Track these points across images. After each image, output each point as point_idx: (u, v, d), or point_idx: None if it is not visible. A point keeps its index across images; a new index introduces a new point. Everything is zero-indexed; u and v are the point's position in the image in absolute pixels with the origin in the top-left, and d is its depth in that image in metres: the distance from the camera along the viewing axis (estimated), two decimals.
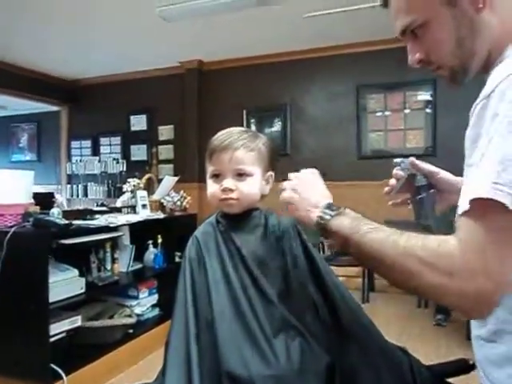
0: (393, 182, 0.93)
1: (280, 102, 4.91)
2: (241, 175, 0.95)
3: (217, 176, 0.97)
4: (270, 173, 1.03)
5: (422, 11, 0.66)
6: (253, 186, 0.97)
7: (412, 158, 0.91)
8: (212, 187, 0.97)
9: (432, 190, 0.89)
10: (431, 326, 3.28)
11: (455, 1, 0.64)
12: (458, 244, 0.56)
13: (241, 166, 0.95)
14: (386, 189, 0.94)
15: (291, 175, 0.84)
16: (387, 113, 4.58)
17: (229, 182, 0.94)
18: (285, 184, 0.82)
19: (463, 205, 0.56)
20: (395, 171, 0.92)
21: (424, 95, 4.37)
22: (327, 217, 0.71)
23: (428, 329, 3.23)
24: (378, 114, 4.61)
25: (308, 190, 0.79)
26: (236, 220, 0.97)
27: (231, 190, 0.94)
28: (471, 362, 0.83)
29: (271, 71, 4.92)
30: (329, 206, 0.73)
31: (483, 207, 0.53)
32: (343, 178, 4.32)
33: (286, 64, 4.86)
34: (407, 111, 4.48)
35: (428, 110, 4.38)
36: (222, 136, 0.97)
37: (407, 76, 4.03)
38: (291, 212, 0.80)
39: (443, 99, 4.21)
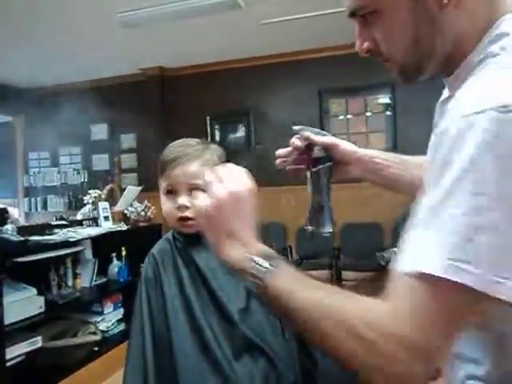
0: (281, 151, 0.86)
1: (243, 107, 4.91)
2: (196, 191, 0.91)
3: (170, 192, 0.93)
4: None
5: None
6: None
7: (306, 133, 0.83)
8: (166, 205, 0.93)
9: (328, 164, 0.82)
10: None
11: None
12: (393, 315, 0.48)
13: (195, 180, 0.90)
14: (278, 161, 0.85)
15: (217, 173, 0.64)
16: (349, 116, 4.67)
17: (184, 199, 0.90)
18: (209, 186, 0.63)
19: (406, 264, 0.47)
20: (293, 139, 0.84)
21: (384, 98, 4.49)
22: (263, 269, 0.57)
23: None
24: (341, 117, 4.69)
25: (233, 212, 0.61)
26: (194, 236, 0.94)
27: (186, 208, 0.90)
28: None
29: (233, 77, 4.92)
30: (265, 255, 0.58)
31: (432, 279, 0.45)
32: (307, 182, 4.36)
33: (249, 69, 4.87)
34: (368, 114, 4.58)
35: (388, 113, 4.49)
36: (173, 149, 0.93)
37: (367, 80, 4.12)
38: (204, 231, 0.63)
39: (402, 102, 4.34)
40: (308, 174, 0.84)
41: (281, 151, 0.86)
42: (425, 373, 0.47)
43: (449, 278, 0.44)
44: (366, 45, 0.62)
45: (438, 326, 0.46)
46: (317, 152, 0.83)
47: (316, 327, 0.52)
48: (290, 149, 0.85)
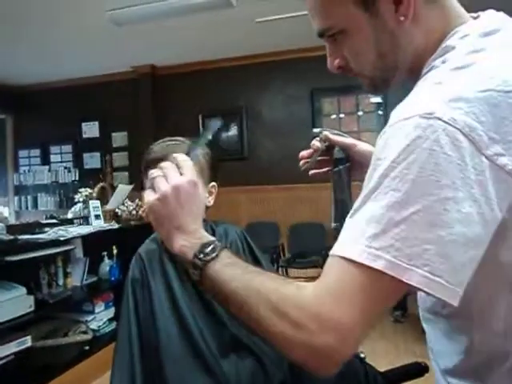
0: (303, 153, 0.89)
1: (236, 106, 4.90)
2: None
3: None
4: (213, 183, 0.99)
5: (339, 19, 0.60)
6: None
7: (326, 132, 0.87)
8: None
9: (348, 164, 0.85)
10: (390, 322, 3.36)
11: (376, 11, 0.58)
12: (314, 293, 0.52)
13: None
14: (301, 162, 0.88)
15: (162, 167, 0.66)
16: (341, 115, 4.68)
17: None
18: (152, 177, 0.65)
19: (333, 249, 0.52)
20: (313, 142, 0.87)
21: (375, 98, 4.50)
22: (202, 258, 0.59)
23: (387, 326, 3.31)
24: (333, 116, 4.70)
25: (178, 205, 0.63)
26: None
27: None
28: (423, 365, 0.84)
29: (226, 75, 4.90)
30: (208, 245, 0.60)
31: (352, 263, 0.49)
32: (301, 181, 4.36)
33: (241, 68, 4.86)
34: (360, 113, 4.60)
35: (380, 112, 4.51)
36: (157, 148, 0.92)
37: (359, 79, 4.13)
38: (154, 226, 0.65)
39: (393, 101, 4.35)
40: (330, 175, 0.87)
41: (303, 153, 0.89)
42: (339, 347, 0.50)
43: (363, 262, 0.48)
44: (336, 62, 0.66)
45: (354, 304, 0.49)
46: (336, 153, 0.86)
47: (248, 309, 0.55)
48: (311, 150, 0.88)
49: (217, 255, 0.59)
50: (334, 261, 0.52)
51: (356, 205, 0.53)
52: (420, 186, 0.48)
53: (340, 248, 0.52)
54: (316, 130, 0.88)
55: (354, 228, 0.52)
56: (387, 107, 4.44)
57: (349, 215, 0.54)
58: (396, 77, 0.64)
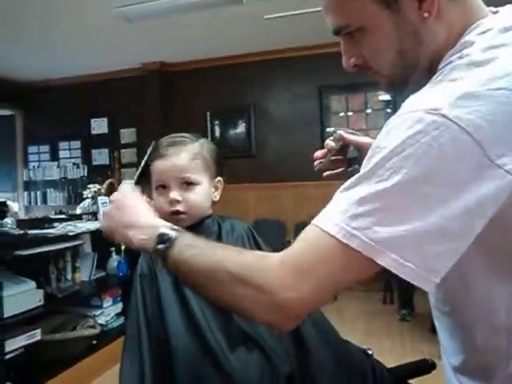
0: (318, 153, 0.89)
1: (244, 103, 4.90)
2: (187, 185, 0.91)
3: (163, 187, 0.92)
4: (219, 178, 0.99)
5: (357, 16, 0.59)
6: (200, 195, 0.92)
7: (341, 131, 0.87)
8: (158, 200, 0.92)
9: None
10: (396, 320, 3.35)
11: (398, 7, 0.57)
12: (281, 259, 0.54)
13: (185, 174, 0.90)
14: (316, 162, 0.89)
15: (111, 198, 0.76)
16: (349, 113, 4.66)
17: (174, 194, 0.90)
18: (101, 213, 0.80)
19: (315, 219, 0.55)
20: (327, 141, 0.88)
21: (384, 95, 4.48)
22: (165, 246, 0.62)
23: (393, 324, 3.30)
24: (341, 114, 4.68)
25: (127, 209, 0.71)
26: (187, 230, 0.93)
27: (178, 202, 0.90)
28: (430, 362, 0.84)
29: (234, 72, 4.90)
30: (164, 235, 0.63)
31: (330, 237, 0.52)
32: (309, 178, 4.35)
33: (249, 65, 4.85)
34: (369, 111, 4.58)
35: (388, 110, 4.48)
36: (163, 143, 0.93)
37: (368, 77, 4.09)
38: (111, 237, 0.72)
39: (402, 99, 4.31)
40: (345, 175, 0.87)
41: (318, 153, 0.89)
42: (299, 304, 0.53)
43: (340, 239, 0.51)
44: (352, 60, 0.65)
45: (319, 272, 0.52)
46: (351, 152, 0.86)
47: (212, 283, 0.58)
48: (325, 150, 0.88)
49: (175, 239, 0.62)
50: (312, 230, 0.54)
51: (347, 183, 0.55)
52: (410, 180, 0.49)
53: (321, 220, 0.54)
54: (330, 130, 0.88)
55: (338, 205, 0.54)
56: (396, 105, 4.41)
57: (339, 190, 0.56)
58: (416, 74, 0.63)
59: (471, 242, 0.51)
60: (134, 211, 0.71)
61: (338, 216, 0.52)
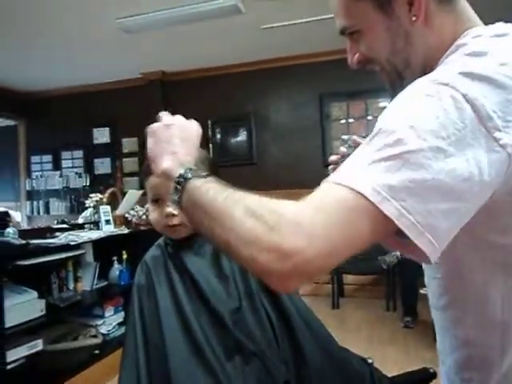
0: (332, 158, 0.91)
1: (244, 111, 4.92)
2: None
3: (156, 201, 0.92)
4: None
5: (356, 19, 0.66)
6: None
7: (355, 136, 0.89)
8: (153, 214, 0.92)
9: None
10: (400, 328, 3.33)
11: (392, 11, 0.64)
12: (297, 204, 0.52)
13: None
14: (330, 167, 0.90)
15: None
16: (350, 120, 4.67)
17: (170, 207, 0.88)
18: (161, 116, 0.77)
19: (337, 177, 0.52)
20: (341, 148, 0.89)
21: (384, 102, 4.49)
22: (191, 174, 0.61)
23: (397, 331, 3.27)
24: (342, 121, 4.70)
25: (178, 136, 0.70)
26: (184, 241, 0.94)
27: (174, 216, 0.89)
28: (432, 371, 0.84)
29: (234, 81, 4.93)
30: (197, 170, 0.63)
31: (356, 195, 0.50)
32: (309, 185, 4.35)
33: (249, 74, 4.89)
34: (369, 118, 4.59)
35: None
36: None
37: (368, 84, 4.12)
38: (149, 148, 0.71)
39: None
40: None
41: (333, 158, 0.91)
42: (308, 256, 0.48)
43: (373, 201, 0.49)
44: (355, 57, 0.71)
45: (335, 222, 0.49)
46: None
47: (223, 217, 0.54)
48: (339, 156, 0.90)
49: (203, 176, 0.60)
50: (333, 187, 0.52)
51: (359, 150, 0.56)
52: (417, 130, 0.51)
53: (346, 178, 0.52)
54: (345, 137, 0.90)
55: (356, 155, 0.55)
56: None
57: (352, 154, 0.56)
58: (408, 73, 0.68)
59: (463, 230, 0.52)
60: (187, 144, 0.70)
61: (365, 177, 0.51)
